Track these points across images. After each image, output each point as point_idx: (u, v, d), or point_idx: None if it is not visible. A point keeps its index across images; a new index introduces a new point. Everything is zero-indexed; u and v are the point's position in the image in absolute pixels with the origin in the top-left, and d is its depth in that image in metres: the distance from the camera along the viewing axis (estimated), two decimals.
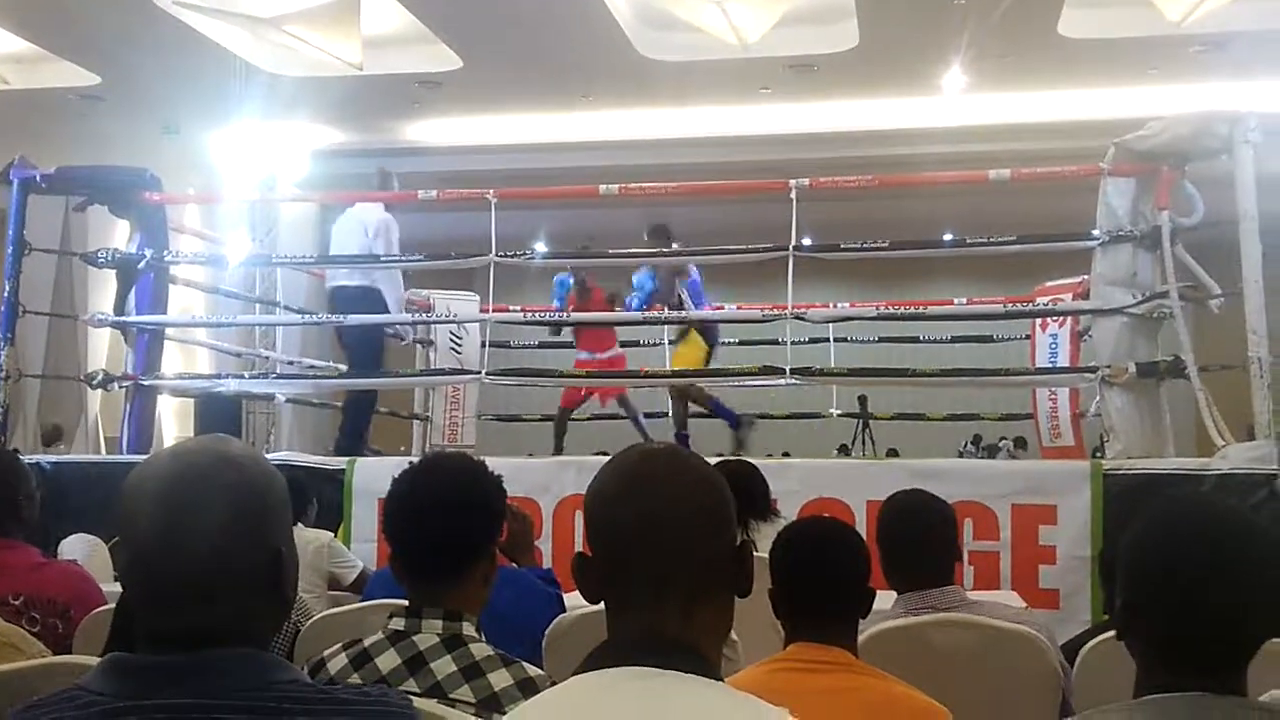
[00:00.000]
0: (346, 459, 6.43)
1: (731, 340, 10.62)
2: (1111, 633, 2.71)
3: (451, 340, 9.55)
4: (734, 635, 2.60)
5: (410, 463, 2.37)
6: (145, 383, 7.30)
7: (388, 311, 7.34)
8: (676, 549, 1.44)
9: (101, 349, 9.85)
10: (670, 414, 8.89)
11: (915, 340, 10.78)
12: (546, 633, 3.16)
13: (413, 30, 10.50)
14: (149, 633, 1.44)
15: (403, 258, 7.93)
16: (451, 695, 2.00)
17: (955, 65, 10.97)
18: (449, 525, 2.23)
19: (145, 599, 1.45)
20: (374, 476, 6.00)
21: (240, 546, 1.44)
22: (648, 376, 8.44)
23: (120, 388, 7.37)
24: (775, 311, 7.47)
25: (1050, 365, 8.57)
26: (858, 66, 11.00)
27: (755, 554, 1.53)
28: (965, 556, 5.34)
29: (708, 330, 8.21)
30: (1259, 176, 5.82)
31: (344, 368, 9.21)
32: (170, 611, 1.42)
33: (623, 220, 11.32)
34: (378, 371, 8.02)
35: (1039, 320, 8.90)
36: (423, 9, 10.13)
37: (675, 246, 7.99)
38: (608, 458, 1.56)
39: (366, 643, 2.13)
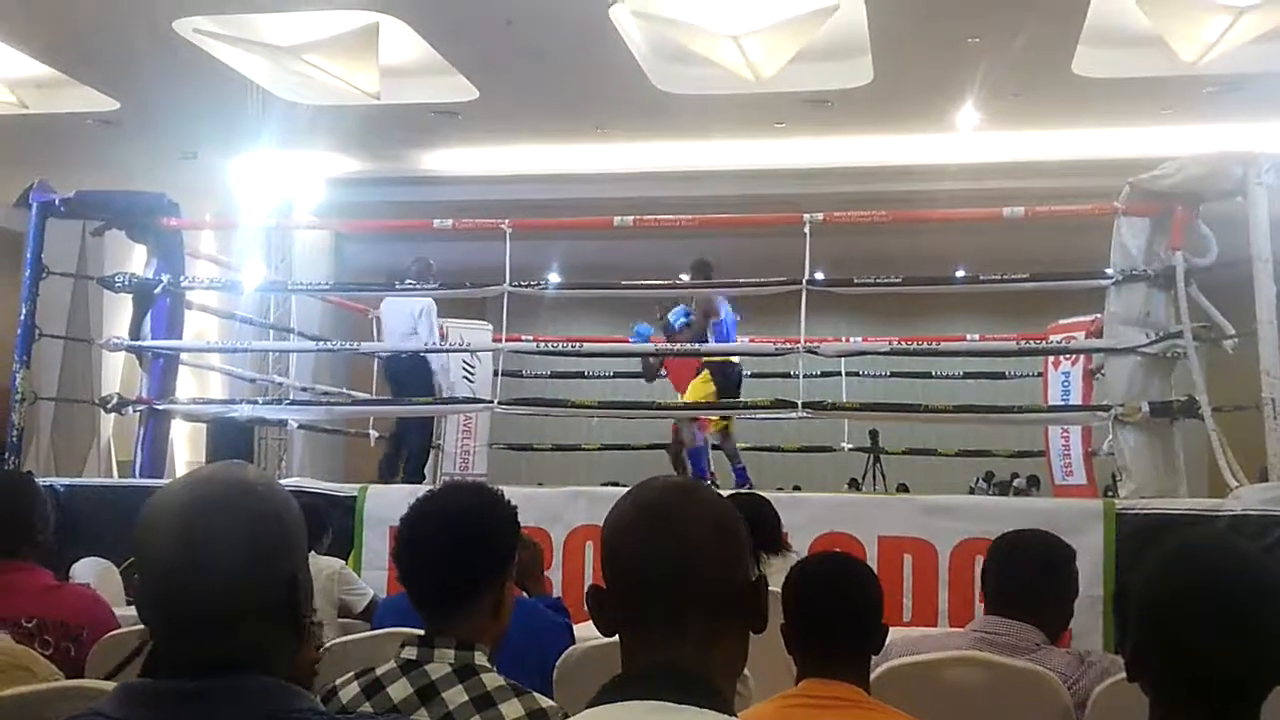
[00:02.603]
0: (358, 486, 6.44)
1: (744, 373, 10.63)
2: (1123, 674, 2.71)
3: (464, 369, 9.58)
4: (745, 670, 2.59)
5: (430, 491, 2.37)
6: (159, 407, 7.33)
7: (433, 374, 8.45)
8: (693, 584, 1.44)
9: (115, 373, 9.88)
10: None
11: (927, 376, 10.77)
12: (557, 664, 3.15)
13: (430, 61, 10.56)
14: (165, 659, 1.44)
15: (418, 287, 7.99)
16: None
17: (969, 102, 11.00)
18: (457, 556, 2.23)
19: (162, 626, 1.45)
20: (385, 504, 6.00)
21: (257, 574, 1.44)
22: (660, 408, 8.44)
23: (134, 412, 7.40)
24: (788, 345, 7.48)
25: (1063, 403, 8.55)
26: (872, 103, 11.02)
27: (768, 589, 1.54)
28: (977, 594, 5.33)
29: (724, 373, 8.16)
30: (1273, 217, 5.83)
31: (357, 394, 9.26)
32: (187, 638, 1.42)
33: (636, 252, 11.38)
34: (392, 399, 8.10)
35: (1051, 358, 8.90)
36: (440, 40, 10.19)
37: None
38: (618, 488, 1.57)
39: (378, 671, 2.13)
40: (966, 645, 2.95)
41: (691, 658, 1.42)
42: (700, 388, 8.18)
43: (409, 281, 8.35)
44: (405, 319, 8.40)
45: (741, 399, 8.15)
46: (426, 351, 8.29)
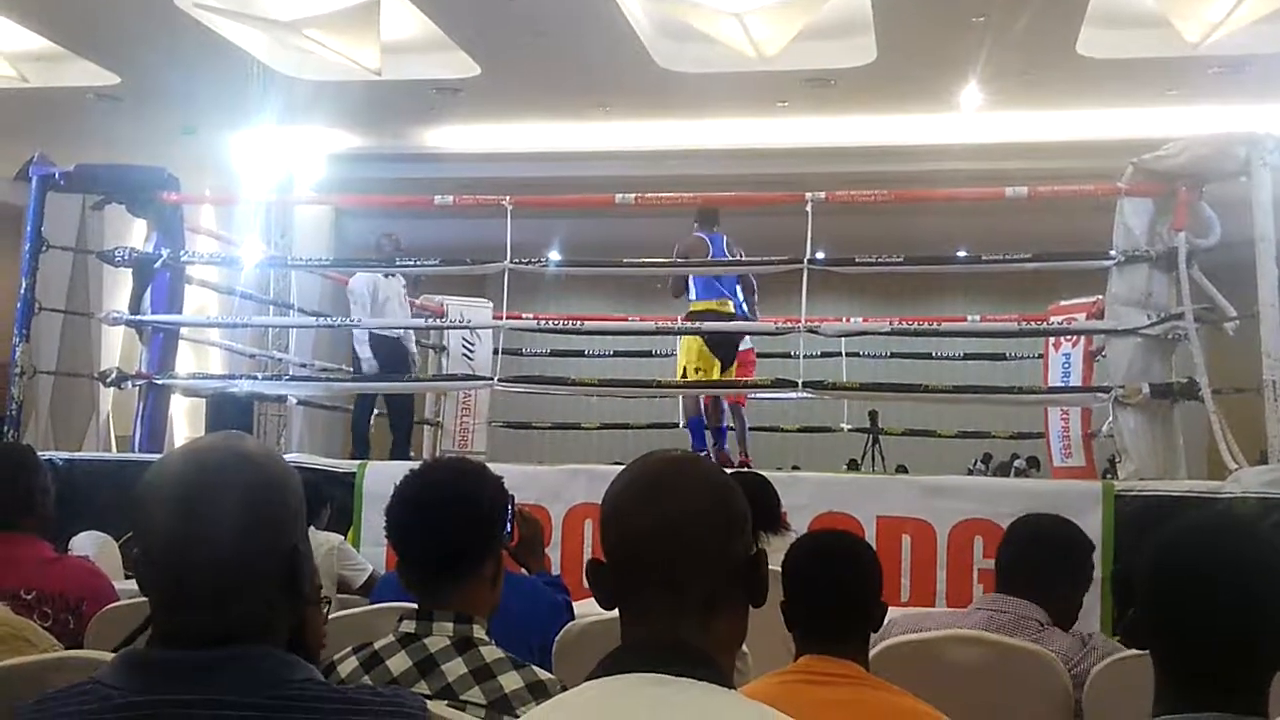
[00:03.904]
0: (358, 462, 6.44)
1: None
2: (1124, 653, 2.71)
3: (464, 346, 9.57)
4: (744, 647, 2.59)
5: (412, 470, 2.37)
6: (159, 381, 7.32)
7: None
8: (692, 556, 1.44)
9: (115, 347, 9.87)
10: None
11: (928, 356, 10.76)
12: (556, 640, 3.16)
13: (432, 37, 10.52)
14: (165, 630, 1.44)
15: (417, 263, 7.98)
16: (462, 697, 2.00)
17: (973, 82, 10.96)
18: (449, 528, 2.23)
19: (161, 597, 1.45)
20: (385, 480, 5.97)
21: (257, 545, 1.44)
22: (660, 386, 8.42)
23: (133, 386, 7.39)
24: (788, 325, 7.47)
25: (1063, 384, 8.55)
26: (875, 82, 10.99)
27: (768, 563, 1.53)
28: (975, 575, 5.35)
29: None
30: (1276, 199, 5.82)
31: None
32: (186, 610, 1.42)
33: (638, 230, 11.34)
34: (390, 375, 8.10)
35: (1052, 339, 8.89)
36: (442, 16, 10.15)
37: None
38: (618, 466, 1.57)
39: (377, 645, 2.13)
40: (971, 623, 2.96)
41: (690, 631, 1.42)
42: (684, 345, 7.95)
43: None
44: None
45: (742, 378, 8.12)
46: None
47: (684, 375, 7.92)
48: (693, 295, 7.92)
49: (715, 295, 7.88)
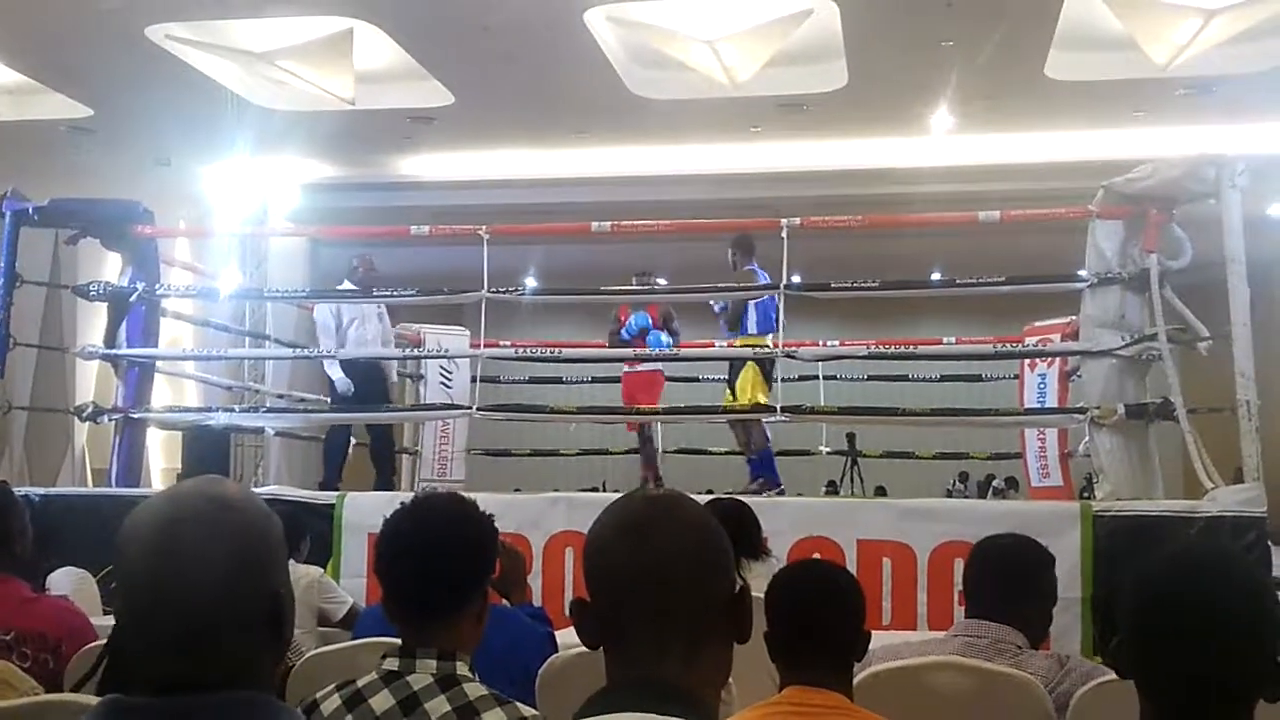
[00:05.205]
0: (336, 494, 6.42)
1: (721, 378, 10.62)
2: (1106, 677, 2.72)
3: (441, 375, 9.55)
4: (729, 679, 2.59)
5: (401, 502, 2.36)
6: (135, 416, 7.28)
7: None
8: (675, 596, 1.44)
9: (89, 381, 9.82)
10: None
11: (904, 379, 10.80)
12: (539, 673, 3.15)
13: (405, 66, 10.54)
14: (147, 677, 1.42)
15: (394, 293, 7.96)
16: None
17: (943, 106, 11.04)
18: (440, 566, 2.22)
19: (144, 645, 1.44)
20: (364, 511, 5.99)
21: (240, 591, 1.43)
22: (636, 414, 8.43)
23: (109, 420, 7.35)
24: (766, 348, 7.48)
25: (1039, 405, 8.59)
26: (847, 106, 11.06)
27: (751, 596, 1.54)
28: (956, 597, 5.36)
29: (760, 358, 7.76)
30: (1246, 220, 5.88)
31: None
32: (169, 657, 1.41)
33: (614, 256, 11.37)
34: (368, 406, 8.06)
35: (1028, 360, 8.95)
36: (415, 45, 10.17)
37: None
38: (597, 493, 1.57)
39: (360, 683, 2.12)
40: (949, 649, 2.97)
41: (675, 670, 1.42)
42: (749, 377, 7.80)
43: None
44: None
45: (718, 404, 8.12)
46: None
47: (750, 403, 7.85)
48: (751, 329, 7.90)
49: (769, 331, 7.83)
